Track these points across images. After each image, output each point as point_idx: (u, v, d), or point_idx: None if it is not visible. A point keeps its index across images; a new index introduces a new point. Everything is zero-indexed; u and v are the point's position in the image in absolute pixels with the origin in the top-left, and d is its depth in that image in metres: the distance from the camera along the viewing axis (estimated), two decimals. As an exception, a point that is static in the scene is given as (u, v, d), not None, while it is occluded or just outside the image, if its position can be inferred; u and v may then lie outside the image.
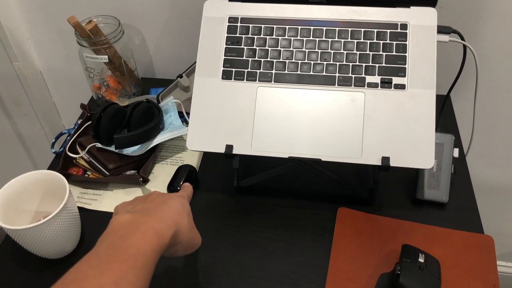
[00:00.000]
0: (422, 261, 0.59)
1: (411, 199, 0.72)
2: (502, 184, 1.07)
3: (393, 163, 0.62)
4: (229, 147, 0.66)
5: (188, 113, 0.84)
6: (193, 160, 0.80)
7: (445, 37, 0.66)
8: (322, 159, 0.64)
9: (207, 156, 0.81)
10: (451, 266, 0.63)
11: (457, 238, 0.67)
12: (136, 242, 0.43)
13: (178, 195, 0.56)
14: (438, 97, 0.71)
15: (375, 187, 0.70)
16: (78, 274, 0.40)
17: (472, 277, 0.62)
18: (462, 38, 0.67)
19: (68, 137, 0.82)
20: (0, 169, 1.34)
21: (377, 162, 0.63)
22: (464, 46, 0.69)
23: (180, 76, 0.88)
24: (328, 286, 0.61)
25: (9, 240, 0.67)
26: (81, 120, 0.84)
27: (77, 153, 0.77)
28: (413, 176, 0.73)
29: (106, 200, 0.74)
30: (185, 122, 0.83)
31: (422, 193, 0.71)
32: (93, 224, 0.70)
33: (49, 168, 0.80)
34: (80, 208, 0.71)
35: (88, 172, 0.77)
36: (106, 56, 0.83)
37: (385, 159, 0.63)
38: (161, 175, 0.78)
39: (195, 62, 0.69)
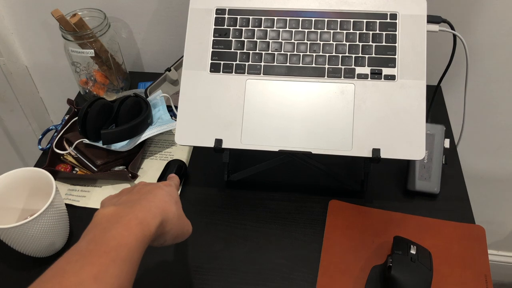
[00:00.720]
0: (414, 252, 0.59)
1: (402, 190, 0.72)
2: (493, 174, 1.08)
3: (383, 154, 0.62)
4: (219, 141, 0.65)
5: (177, 107, 0.83)
6: (183, 155, 0.79)
7: (435, 27, 0.65)
8: (313, 152, 0.63)
9: (197, 151, 0.80)
10: (443, 256, 0.63)
11: (449, 229, 0.66)
12: (118, 234, 0.42)
13: (165, 183, 0.55)
14: (429, 87, 0.71)
15: (366, 179, 0.69)
16: (57, 270, 0.39)
17: (463, 267, 0.62)
18: (452, 28, 0.67)
19: (55, 133, 0.81)
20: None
21: (368, 154, 0.62)
22: (454, 36, 0.68)
23: (169, 69, 0.87)
24: (320, 279, 0.61)
25: (-4, 239, 0.66)
26: (68, 115, 0.82)
27: (65, 149, 0.76)
28: (404, 167, 0.72)
29: (95, 197, 0.72)
30: (174, 116, 0.82)
31: (413, 184, 0.70)
32: (82, 221, 0.69)
33: (36, 165, 0.79)
34: (68, 205, 0.70)
35: (76, 169, 0.76)
36: (92, 50, 0.82)
37: (376, 151, 0.62)
38: (150, 171, 0.77)
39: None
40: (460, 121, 0.83)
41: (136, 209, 0.45)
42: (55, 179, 0.64)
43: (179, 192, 0.73)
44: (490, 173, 1.07)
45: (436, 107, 0.84)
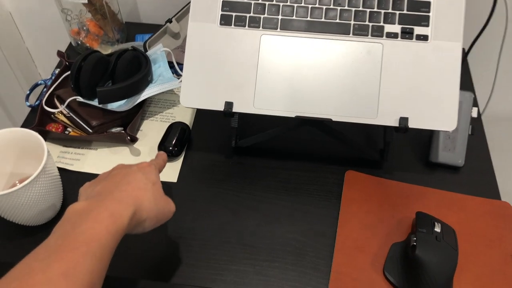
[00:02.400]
0: (439, 231, 0.54)
1: (424, 162, 0.67)
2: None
3: (412, 124, 0.56)
4: (229, 104, 0.58)
5: (179, 64, 0.76)
6: (186, 117, 0.72)
7: (476, -19, 0.58)
8: (333, 119, 0.57)
9: (201, 113, 0.73)
10: (466, 234, 0.59)
11: (473, 205, 0.62)
12: (89, 228, 0.41)
13: (143, 165, 0.52)
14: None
15: (387, 149, 0.64)
16: (23, 269, 0.37)
17: (488, 246, 0.58)
18: (494, -17, 0.59)
19: (45, 89, 0.73)
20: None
21: (394, 123, 0.57)
22: (495, -8, 0.61)
23: (170, 20, 0.79)
24: (336, 255, 0.57)
25: (-18, 205, 0.60)
26: (58, 69, 0.75)
27: (56, 107, 0.69)
28: (427, 137, 0.67)
29: (90, 160, 0.66)
30: (175, 73, 0.75)
31: (436, 155, 0.65)
32: (76, 187, 0.63)
33: (24, 124, 0.72)
34: (61, 169, 0.64)
35: (68, 129, 0.69)
36: (85, -4, 0.73)
37: (403, 120, 0.56)
38: (150, 133, 0.70)
39: (188, 4, 0.60)
40: (485, 90, 0.77)
41: (108, 201, 0.44)
42: (45, 139, 0.58)
43: (181, 159, 0.67)
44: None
45: (462, 75, 0.78)
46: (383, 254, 0.57)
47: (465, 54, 0.70)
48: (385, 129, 0.62)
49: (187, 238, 0.59)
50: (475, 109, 0.66)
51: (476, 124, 0.71)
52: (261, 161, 0.67)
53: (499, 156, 1.02)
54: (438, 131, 0.66)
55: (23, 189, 0.51)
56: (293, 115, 0.58)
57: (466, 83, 0.78)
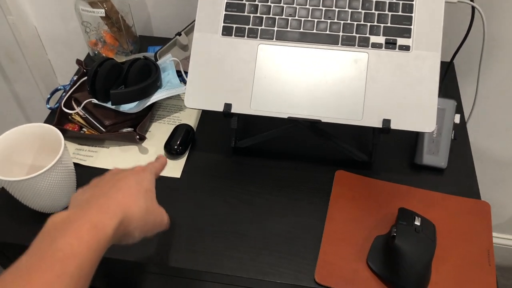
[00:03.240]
0: (418, 224, 0.59)
1: (410, 164, 0.72)
2: (502, 155, 1.07)
3: (394, 125, 0.62)
4: (228, 106, 0.64)
5: (186, 72, 0.82)
6: (191, 120, 0.79)
7: (453, -2, 0.64)
8: (322, 120, 0.63)
9: (204, 117, 0.79)
10: (447, 230, 0.63)
11: (454, 203, 0.67)
12: (66, 244, 0.37)
13: (137, 169, 0.50)
14: (443, 63, 0.69)
15: (374, 151, 0.69)
16: None
17: (467, 241, 0.62)
18: None
19: (64, 93, 0.80)
20: (-5, 127, 1.33)
21: (378, 124, 0.62)
22: (473, 8, 0.67)
23: (179, 34, 0.86)
24: (323, 246, 0.62)
25: (5, 192, 0.67)
26: (76, 76, 0.82)
27: (73, 109, 0.76)
28: (413, 141, 0.72)
29: (102, 157, 0.73)
30: (183, 81, 0.82)
31: (421, 158, 0.70)
32: (88, 180, 0.69)
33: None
34: (75, 164, 0.71)
35: (84, 129, 0.76)
36: (103, 10, 0.81)
37: (386, 122, 0.62)
38: (158, 134, 0.77)
39: (195, 20, 0.67)
40: (471, 98, 0.82)
41: (92, 210, 0.41)
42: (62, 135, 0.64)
43: (185, 158, 0.73)
44: (498, 154, 1.06)
45: (448, 83, 0.83)
46: (367, 245, 0.62)
47: (449, 63, 0.75)
48: (373, 132, 0.68)
49: (187, 227, 0.64)
50: (457, 116, 0.71)
51: (461, 130, 0.76)
52: (258, 161, 0.72)
53: (482, 160, 1.06)
54: (423, 135, 0.71)
55: (41, 176, 0.58)
56: (285, 116, 0.64)
57: (455, 92, 0.83)
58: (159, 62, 0.81)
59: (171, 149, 0.72)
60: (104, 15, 0.82)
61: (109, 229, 0.41)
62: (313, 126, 0.68)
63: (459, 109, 0.79)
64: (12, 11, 0.98)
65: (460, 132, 0.76)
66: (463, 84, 0.85)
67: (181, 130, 0.74)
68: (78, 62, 0.82)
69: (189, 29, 0.87)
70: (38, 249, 0.37)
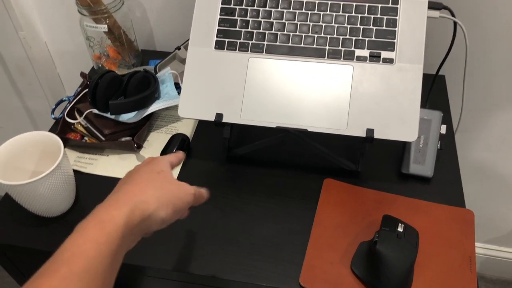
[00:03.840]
0: (401, 230, 0.61)
1: (397, 173, 0.74)
2: (490, 167, 1.08)
3: (377, 135, 0.64)
4: (219, 115, 0.68)
5: (184, 84, 0.86)
6: (187, 130, 0.82)
7: (435, 13, 0.67)
8: (309, 130, 0.66)
9: (200, 126, 0.83)
10: (430, 236, 0.65)
11: (439, 211, 0.68)
12: (72, 243, 0.36)
13: (149, 159, 0.51)
14: (432, 76, 0.72)
15: (361, 160, 0.72)
16: None
17: (449, 247, 0.64)
18: (453, 15, 0.68)
19: (68, 104, 0.84)
20: (4, 137, 1.38)
21: (362, 133, 0.64)
22: (455, 23, 0.69)
23: (178, 48, 0.90)
24: (309, 250, 0.64)
25: (8, 198, 0.70)
26: (80, 88, 0.86)
27: (75, 118, 0.80)
28: (400, 150, 0.74)
29: (101, 165, 0.76)
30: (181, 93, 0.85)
31: (407, 167, 0.72)
32: (88, 187, 0.73)
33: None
34: (76, 171, 0.74)
35: (85, 138, 0.80)
36: (106, 26, 0.85)
37: (370, 131, 0.64)
38: (155, 143, 0.80)
39: (191, 34, 0.71)
40: (459, 109, 0.84)
41: (101, 209, 0.41)
42: (65, 146, 0.68)
43: (180, 166, 0.76)
44: (489, 167, 1.07)
45: (438, 96, 0.86)
46: (352, 250, 0.64)
47: (434, 75, 0.78)
48: (360, 142, 0.70)
49: (180, 231, 0.67)
50: (443, 127, 0.73)
51: (449, 140, 0.78)
52: (250, 169, 0.75)
53: (469, 169, 1.07)
54: (409, 145, 0.73)
55: (40, 180, 0.61)
56: (274, 126, 0.66)
57: (444, 104, 0.85)
58: (158, 75, 0.85)
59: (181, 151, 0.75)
60: (107, 30, 0.86)
61: (119, 219, 0.39)
62: (302, 135, 0.70)
63: (447, 121, 0.81)
64: (24, 27, 1.03)
65: (448, 143, 0.77)
66: (452, 95, 0.87)
67: (177, 139, 0.77)
68: (82, 74, 0.86)
69: (188, 44, 0.91)
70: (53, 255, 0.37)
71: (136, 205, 0.42)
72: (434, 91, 0.83)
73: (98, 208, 0.41)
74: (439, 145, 0.72)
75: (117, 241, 0.38)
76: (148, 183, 0.45)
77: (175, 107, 0.86)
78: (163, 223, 0.45)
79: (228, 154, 0.75)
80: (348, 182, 0.72)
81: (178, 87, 0.86)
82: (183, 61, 0.91)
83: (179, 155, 0.57)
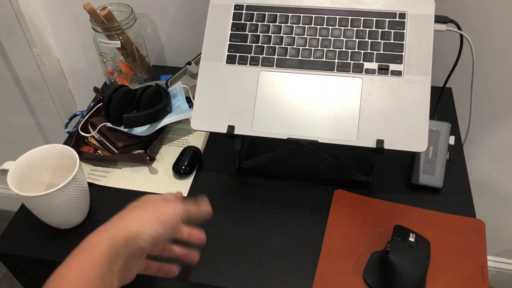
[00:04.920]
0: (412, 240, 0.61)
1: (407, 183, 0.74)
2: (498, 178, 1.08)
3: (387, 145, 0.65)
4: (231, 128, 0.69)
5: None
6: (199, 143, 0.83)
7: (442, 26, 0.68)
8: (319, 141, 0.67)
9: (211, 139, 0.84)
10: (442, 246, 0.65)
11: (449, 221, 0.69)
12: (58, 273, 0.39)
13: (166, 197, 0.53)
14: (439, 88, 0.73)
15: (371, 171, 0.72)
16: None
17: (461, 257, 0.64)
18: (459, 28, 0.69)
19: (81, 118, 0.86)
20: (17, 152, 1.40)
21: (372, 144, 0.65)
22: (461, 36, 0.71)
23: (189, 63, 0.92)
24: (321, 261, 0.64)
25: (23, 210, 0.72)
26: (93, 102, 0.88)
27: (89, 132, 0.82)
28: (409, 161, 0.75)
29: (114, 177, 0.77)
30: (192, 106, 0.87)
31: (417, 178, 0.73)
32: (101, 198, 0.74)
33: (62, 147, 0.85)
34: (90, 184, 0.75)
35: (98, 151, 0.81)
36: (119, 42, 0.87)
37: (380, 142, 0.65)
38: (167, 156, 0.81)
39: (203, 49, 0.73)
40: (467, 120, 0.85)
41: (86, 238, 0.43)
42: (79, 159, 0.69)
43: (192, 177, 0.77)
44: (496, 178, 1.07)
45: (445, 108, 0.87)
46: (363, 261, 0.64)
47: (442, 87, 0.79)
48: (370, 153, 0.71)
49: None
50: (452, 138, 0.74)
51: (457, 151, 0.79)
52: (260, 180, 0.76)
53: (478, 185, 1.07)
54: (419, 156, 0.73)
55: (56, 192, 0.62)
56: (285, 137, 0.68)
57: (452, 115, 0.86)
58: (170, 89, 0.87)
59: (179, 169, 0.76)
60: (120, 46, 0.88)
61: (101, 244, 0.41)
62: (313, 147, 0.71)
63: (455, 132, 0.82)
64: (38, 44, 1.06)
65: (457, 154, 0.78)
66: (460, 107, 0.88)
67: (188, 152, 0.79)
68: (95, 89, 0.88)
69: (199, 59, 0.93)
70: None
71: (118, 229, 0.44)
72: (441, 103, 0.84)
73: (84, 239, 0.43)
74: (448, 155, 0.73)
75: (103, 266, 0.40)
76: (134, 209, 0.48)
77: (187, 121, 0.87)
78: (155, 240, 0.46)
79: (239, 166, 0.76)
80: (358, 193, 0.73)
81: (189, 101, 0.87)
82: (193, 75, 0.93)
83: (204, 210, 0.56)
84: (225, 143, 0.82)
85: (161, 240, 0.47)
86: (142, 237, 0.45)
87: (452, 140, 0.73)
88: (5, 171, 0.66)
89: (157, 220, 0.47)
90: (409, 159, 0.75)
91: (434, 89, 0.75)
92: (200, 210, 0.54)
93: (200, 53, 0.93)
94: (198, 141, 0.84)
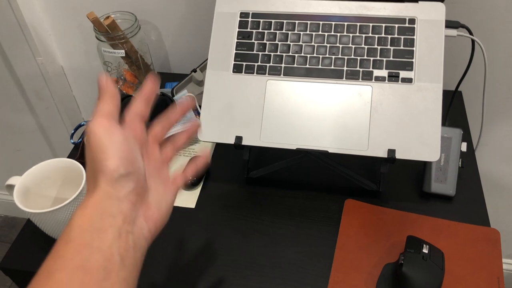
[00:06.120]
0: (426, 251, 0.60)
1: (418, 192, 0.73)
2: (509, 181, 1.06)
3: (399, 155, 0.64)
4: (239, 138, 0.68)
5: (201, 106, 0.87)
6: (205, 152, 0.82)
7: (453, 32, 0.67)
8: (329, 151, 0.66)
9: (218, 148, 0.83)
10: (456, 257, 0.64)
11: (463, 231, 0.67)
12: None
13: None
14: (449, 92, 0.71)
15: (382, 180, 0.71)
16: None
17: (476, 268, 0.63)
18: (471, 33, 0.68)
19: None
20: (22, 159, 1.40)
21: (383, 154, 0.64)
22: (473, 41, 0.69)
23: (195, 70, 0.91)
24: (333, 273, 0.63)
25: (31, 224, 0.71)
26: (99, 112, 0.87)
27: (95, 143, 0.81)
28: (421, 169, 0.73)
29: (122, 189, 0.76)
30: (198, 115, 0.86)
31: (429, 186, 0.71)
32: (108, 211, 0.73)
33: (68, 157, 0.84)
34: (96, 196, 0.74)
35: (104, 162, 0.80)
36: (123, 51, 0.86)
37: (391, 152, 0.64)
38: (173, 166, 0.80)
39: (208, 57, 0.72)
40: (479, 126, 0.83)
41: None
42: (84, 170, 0.68)
43: (199, 188, 0.76)
44: (508, 180, 1.06)
45: (456, 113, 0.85)
46: (376, 273, 0.63)
47: (453, 93, 0.77)
48: (380, 161, 0.70)
49: (202, 255, 0.66)
50: (464, 144, 0.72)
51: (469, 158, 0.77)
52: (270, 190, 0.75)
53: (493, 188, 1.06)
54: (430, 164, 0.72)
55: (63, 208, 0.61)
56: (294, 147, 0.66)
57: (463, 121, 0.84)
58: (175, 98, 0.86)
59: (186, 181, 0.75)
60: (124, 55, 0.87)
61: (70, 234, 0.37)
62: (322, 157, 0.70)
63: (467, 138, 0.80)
64: (41, 52, 1.05)
65: (469, 160, 0.77)
66: (471, 112, 0.86)
67: (196, 162, 0.77)
68: (100, 99, 0.87)
69: (204, 66, 0.92)
70: None
71: (84, 206, 0.38)
72: (451, 108, 0.82)
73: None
74: (460, 163, 0.71)
75: (78, 256, 0.35)
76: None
77: (193, 130, 0.86)
78: (123, 173, 0.38)
79: (247, 175, 0.75)
80: (369, 202, 0.72)
81: (194, 108, 0.86)
82: (199, 83, 0.92)
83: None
84: (232, 152, 0.81)
85: (128, 164, 0.39)
86: (109, 188, 0.38)
87: (464, 146, 0.72)
88: (11, 186, 0.65)
89: (98, 160, 0.38)
90: (420, 166, 0.74)
91: (444, 93, 0.74)
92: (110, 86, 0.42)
93: (206, 60, 0.93)
94: (205, 150, 0.83)
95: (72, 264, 0.35)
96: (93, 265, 0.35)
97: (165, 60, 1.04)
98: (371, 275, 0.63)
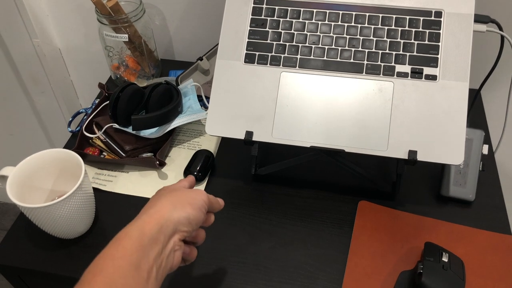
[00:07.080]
0: (446, 260, 0.57)
1: (436, 195, 0.69)
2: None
3: (420, 157, 0.60)
4: (249, 134, 0.64)
5: (207, 97, 0.82)
6: (211, 145, 0.78)
7: (482, 27, 0.62)
8: (346, 150, 0.62)
9: (224, 142, 0.79)
10: (476, 266, 0.61)
11: (482, 238, 0.64)
12: (93, 265, 0.41)
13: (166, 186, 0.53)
14: (470, 91, 0.67)
15: (398, 181, 0.67)
16: None
17: (497, 279, 0.59)
18: (501, 29, 0.64)
19: (85, 117, 0.81)
20: (16, 146, 1.35)
21: (404, 155, 0.60)
22: (502, 37, 0.65)
23: (200, 58, 0.86)
24: (345, 281, 0.59)
25: (24, 217, 0.66)
26: (98, 99, 0.82)
27: (94, 133, 0.76)
28: (438, 171, 0.70)
29: (121, 182, 0.72)
30: (203, 106, 0.81)
31: (447, 189, 0.68)
32: (107, 205, 0.69)
33: (65, 147, 0.79)
34: (95, 189, 0.70)
35: (104, 153, 0.76)
36: (126, 35, 0.81)
37: (412, 153, 0.60)
38: (177, 159, 0.76)
39: (217, 45, 0.67)
40: (499, 127, 0.80)
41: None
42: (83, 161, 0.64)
43: (204, 184, 0.72)
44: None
45: (474, 113, 0.81)
46: (391, 281, 0.59)
47: (476, 92, 0.73)
48: (397, 162, 0.66)
49: (206, 257, 0.63)
50: (485, 147, 0.68)
51: (489, 161, 0.73)
52: (278, 189, 0.71)
53: (507, 187, 1.02)
54: (449, 166, 0.68)
55: (60, 203, 0.57)
56: (308, 145, 0.62)
57: (481, 120, 0.81)
58: (180, 87, 0.81)
59: (190, 175, 0.71)
60: (127, 40, 0.82)
61: (132, 232, 0.42)
62: (337, 156, 0.66)
63: (486, 139, 0.76)
64: (38, 34, 1.00)
65: (489, 163, 0.73)
66: (491, 113, 0.82)
67: (201, 156, 0.73)
68: (100, 85, 0.83)
69: (211, 54, 0.87)
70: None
71: (150, 215, 0.44)
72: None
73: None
74: (481, 166, 0.68)
75: (136, 253, 0.40)
76: (161, 197, 0.48)
77: (198, 121, 0.82)
78: (191, 222, 0.46)
79: (255, 172, 0.71)
80: (383, 205, 0.68)
81: (200, 99, 0.82)
82: (205, 72, 0.87)
83: (190, 178, 0.57)
84: (239, 146, 0.77)
85: (196, 222, 0.47)
86: (178, 220, 0.45)
87: (485, 149, 0.68)
88: (4, 177, 0.61)
89: (188, 204, 0.47)
90: (438, 168, 0.70)
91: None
92: (217, 199, 0.54)
93: (212, 48, 0.88)
94: (210, 143, 0.79)
95: (130, 259, 0.40)
96: (144, 267, 0.41)
97: (169, 46, 0.99)
98: (386, 283, 0.59)
